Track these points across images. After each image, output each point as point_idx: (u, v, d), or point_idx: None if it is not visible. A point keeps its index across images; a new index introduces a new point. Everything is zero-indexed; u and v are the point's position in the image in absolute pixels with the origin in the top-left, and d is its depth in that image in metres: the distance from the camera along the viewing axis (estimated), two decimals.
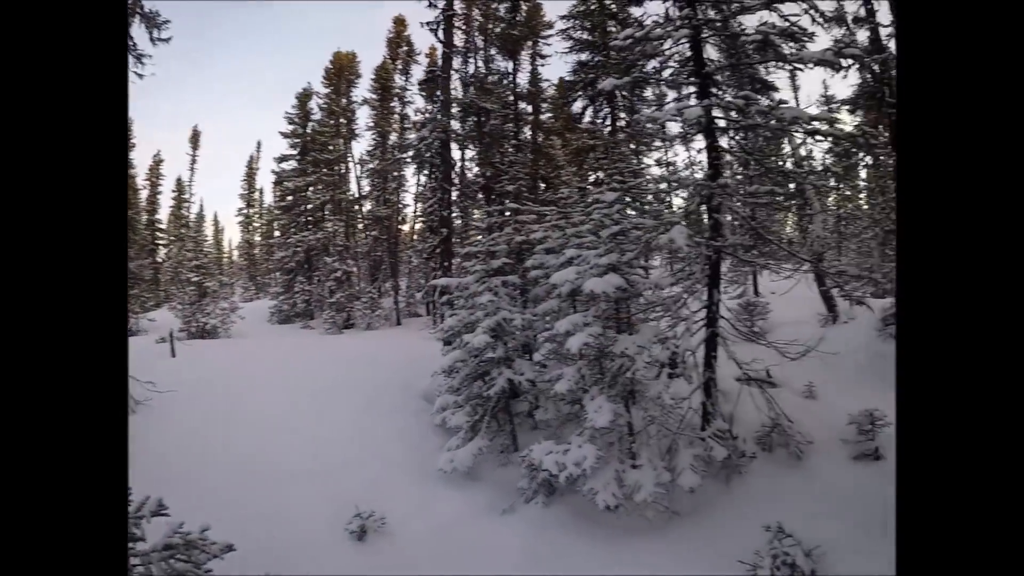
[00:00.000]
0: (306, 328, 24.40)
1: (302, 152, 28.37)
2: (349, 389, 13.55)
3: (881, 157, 13.74)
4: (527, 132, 21.15)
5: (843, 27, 14.83)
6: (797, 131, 8.73)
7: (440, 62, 20.17)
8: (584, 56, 19.22)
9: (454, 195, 19.97)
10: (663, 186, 10.28)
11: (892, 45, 14.13)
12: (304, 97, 28.98)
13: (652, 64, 10.18)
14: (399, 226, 29.87)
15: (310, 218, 27.57)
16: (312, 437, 10.91)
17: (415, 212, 30.47)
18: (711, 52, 9.44)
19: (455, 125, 19.73)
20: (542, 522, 8.11)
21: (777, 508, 7.41)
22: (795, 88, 27.54)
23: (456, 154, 21.86)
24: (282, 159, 29.01)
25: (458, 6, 19.64)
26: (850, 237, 27.39)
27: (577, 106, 19.55)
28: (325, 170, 28.49)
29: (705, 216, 8.86)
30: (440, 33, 18.57)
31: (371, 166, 30.33)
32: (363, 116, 32.72)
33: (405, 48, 30.72)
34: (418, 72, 30.04)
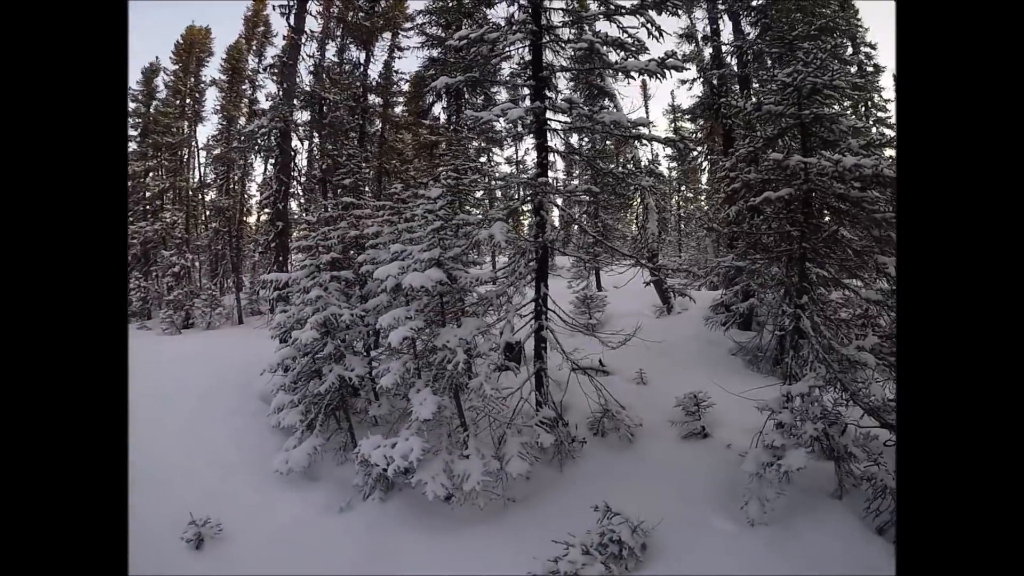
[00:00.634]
0: (143, 329, 22.29)
1: (143, 133, 26.16)
2: (184, 392, 12.75)
3: (720, 163, 15.17)
4: (377, 125, 20.82)
5: (692, 43, 16.26)
6: (622, 134, 9.37)
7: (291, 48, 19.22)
8: (436, 52, 19.28)
9: (296, 188, 19.21)
10: (500, 183, 10.63)
11: (732, 60, 15.78)
12: (150, 73, 26.85)
13: (505, 66, 10.56)
14: (243, 218, 28.12)
15: (148, 207, 25.24)
16: (142, 445, 10.02)
17: (260, 203, 28.95)
18: (551, 56, 9.90)
19: (304, 115, 18.97)
20: (379, 517, 8.20)
21: (609, 489, 7.93)
22: (646, 99, 29.68)
23: (301, 145, 21.11)
24: None
25: None
26: (690, 235, 30.07)
27: (428, 101, 19.55)
28: (167, 154, 26.24)
29: (529, 213, 9.26)
30: (291, 18, 17.64)
31: (216, 152, 28.33)
32: (211, 98, 30.29)
33: (262, 29, 28.84)
34: (272, 56, 28.40)
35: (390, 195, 12.00)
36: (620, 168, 13.77)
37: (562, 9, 9.68)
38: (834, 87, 8.12)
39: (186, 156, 29.17)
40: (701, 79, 16.36)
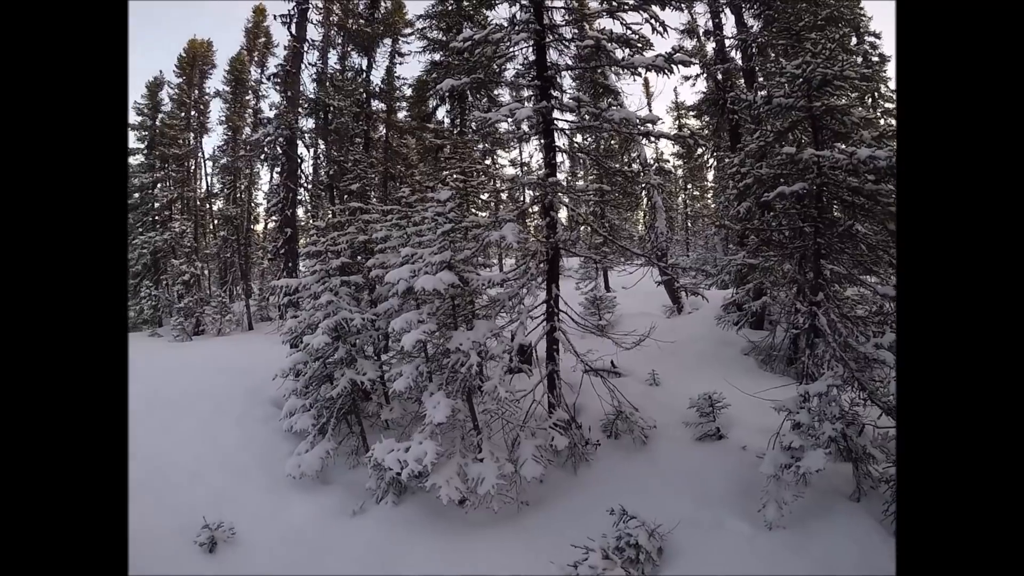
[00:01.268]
0: (154, 336, 22.58)
1: (150, 146, 26.26)
2: (196, 398, 12.84)
3: (726, 159, 15.03)
4: (381, 130, 20.85)
5: (694, 39, 16.16)
6: (631, 132, 9.31)
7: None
8: (438, 56, 19.27)
9: (303, 194, 19.29)
10: (508, 184, 10.59)
11: (736, 54, 15.67)
12: (154, 86, 26.91)
13: (509, 66, 10.52)
14: (251, 226, 28.39)
15: (157, 217, 25.45)
16: (156, 450, 10.33)
17: (267, 211, 29.12)
18: (554, 56, 9.87)
19: (309, 123, 19.04)
20: (392, 521, 8.17)
21: (623, 492, 7.84)
22: (649, 96, 29.54)
23: (307, 152, 21.10)
24: (129, 153, 26.49)
25: (317, 2, 18.88)
26: (697, 234, 29.85)
27: (431, 105, 19.57)
28: (174, 166, 26.49)
29: (538, 214, 9.21)
30: (293, 27, 17.69)
31: (222, 162, 28.67)
32: (216, 109, 30.69)
33: (263, 40, 29.11)
34: (274, 65, 28.63)
35: (397, 199, 11.99)
36: (628, 166, 13.73)
37: (564, 8, 9.65)
38: (844, 77, 7.98)
39: (193, 167, 29.41)
40: (705, 75, 16.23)
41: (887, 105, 18.82)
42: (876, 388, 7.11)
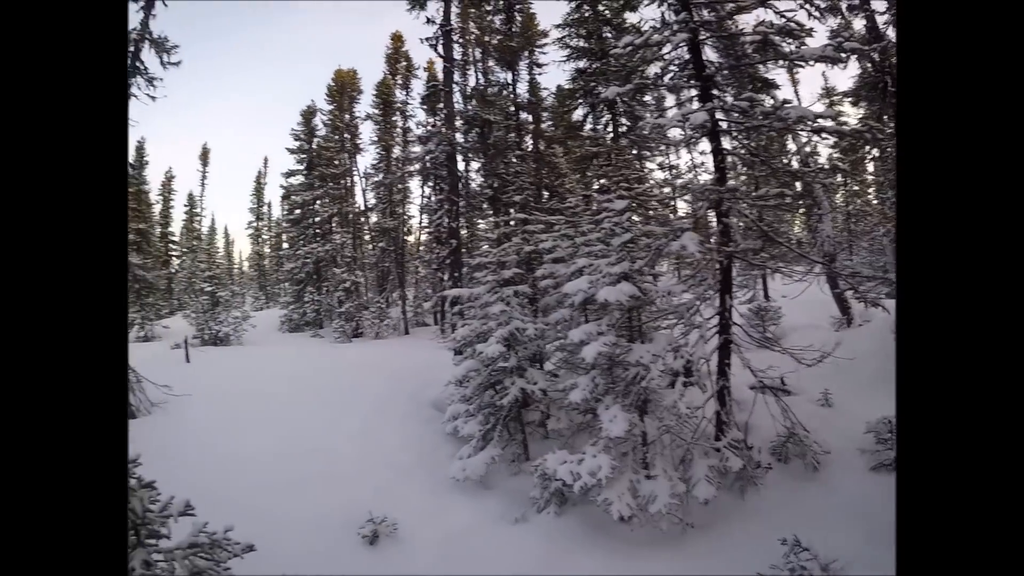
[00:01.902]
0: (316, 337, 24.62)
1: (309, 167, 28.76)
2: (359, 397, 13.65)
3: (888, 149, 13.56)
4: (528, 141, 21.22)
5: (839, 17, 14.70)
6: (803, 130, 8.65)
7: (440, 76, 20.30)
8: (582, 63, 19.12)
9: (461, 206, 20.06)
10: (667, 190, 10.27)
11: (891, 32, 14.04)
12: (308, 114, 29.40)
13: (653, 69, 10.21)
14: (405, 237, 30.05)
15: (318, 230, 27.86)
16: (322, 444, 11.01)
17: (420, 223, 30.84)
18: (710, 54, 9.45)
19: (459, 137, 19.78)
20: (553, 532, 8.09)
21: (793, 521, 7.31)
22: (794, 83, 27.44)
23: (460, 166, 21.92)
24: (289, 174, 29.43)
25: (454, 20, 19.72)
26: (860, 235, 27.06)
27: (578, 114, 19.53)
28: (331, 184, 28.87)
29: (714, 221, 8.80)
30: (440, 48, 18.65)
31: (376, 179, 30.70)
32: (366, 131, 33.28)
33: (404, 63, 31.20)
34: (418, 86, 30.61)
35: (560, 209, 12.07)
36: (789, 164, 12.79)
37: (716, 2, 9.19)
38: None
39: (349, 184, 31.85)
40: (856, 56, 14.57)
41: None
42: None
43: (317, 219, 27.98)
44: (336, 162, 29.78)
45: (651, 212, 13.95)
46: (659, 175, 23.94)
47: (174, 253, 41.97)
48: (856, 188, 28.24)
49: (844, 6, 14.38)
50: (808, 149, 15.38)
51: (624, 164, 14.52)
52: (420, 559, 7.77)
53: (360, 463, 10.26)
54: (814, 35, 8.46)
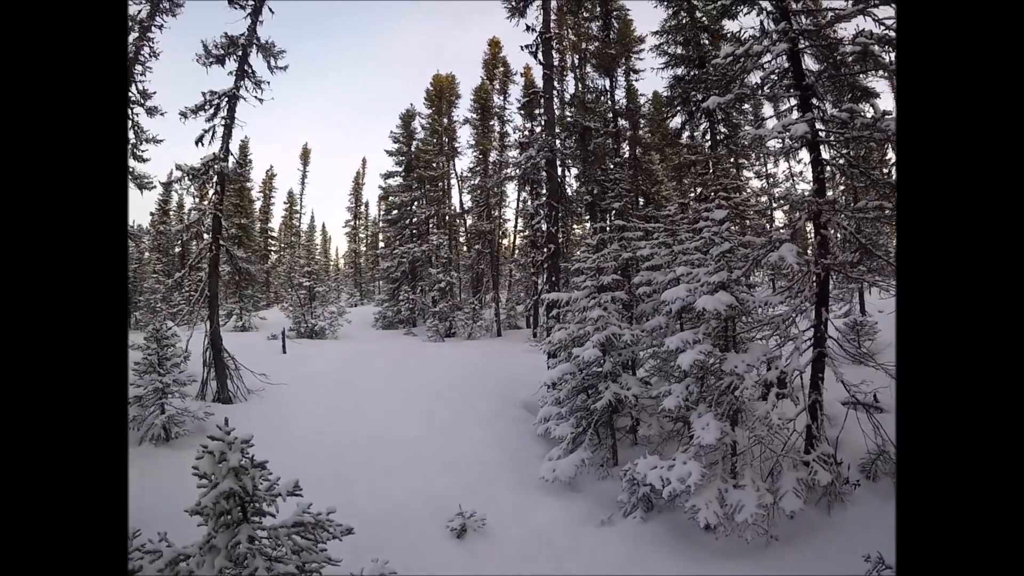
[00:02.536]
0: (409, 335, 25.58)
1: (407, 169, 29.87)
2: (450, 394, 14.16)
3: None
4: (626, 148, 21.17)
5: None
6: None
7: (540, 82, 20.58)
8: (679, 70, 18.97)
9: (564, 212, 20.21)
10: (764, 200, 10.14)
11: None
12: (408, 117, 30.53)
13: (753, 78, 10.09)
14: (500, 240, 30.59)
15: (415, 231, 28.92)
16: (414, 437, 11.50)
17: (516, 227, 31.52)
18: (809, 62, 9.25)
19: (557, 143, 20.08)
20: (639, 537, 8.16)
21: (879, 539, 6.91)
22: (895, 89, 25.67)
23: (567, 172, 22.14)
24: (388, 175, 30.74)
25: (552, 27, 19.95)
26: None
27: (675, 121, 19.30)
28: (429, 186, 29.85)
29: (812, 233, 8.65)
30: (539, 55, 19.01)
31: (473, 182, 31.38)
32: (464, 135, 34.14)
33: (502, 69, 31.66)
34: (515, 92, 30.94)
35: (660, 217, 12.16)
36: (887, 175, 12.19)
37: (814, 11, 8.96)
38: None
39: (446, 186, 32.92)
40: None
41: None
42: None
43: (414, 220, 29.07)
44: (434, 165, 30.81)
45: (748, 222, 13.72)
46: (756, 184, 23.23)
47: (273, 248, 44.32)
48: None
49: None
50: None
51: (722, 173, 14.33)
52: (506, 554, 7.95)
53: (449, 457, 10.64)
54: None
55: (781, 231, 8.99)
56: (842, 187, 15.11)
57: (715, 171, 14.92)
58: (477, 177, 31.09)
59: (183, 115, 13.59)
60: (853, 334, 14.20)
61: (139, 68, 14.41)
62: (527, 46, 19.09)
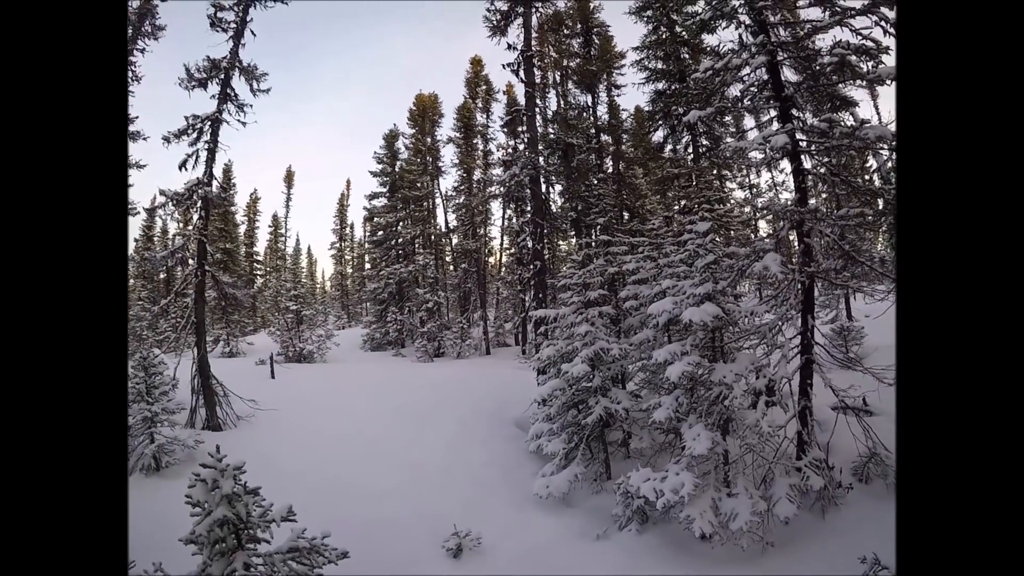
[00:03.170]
0: (398, 356, 25.45)
1: (392, 189, 29.89)
2: (441, 414, 14.08)
3: None
4: (609, 163, 21.39)
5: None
6: (883, 148, 8.54)
7: (522, 100, 20.67)
8: (661, 85, 19.26)
9: (548, 229, 20.29)
10: (747, 210, 10.31)
11: None
12: (391, 138, 30.60)
13: (733, 91, 10.29)
14: (487, 258, 30.61)
15: (401, 251, 28.90)
16: (406, 459, 11.41)
17: (501, 245, 31.41)
18: (788, 73, 9.46)
19: (541, 160, 20.20)
20: (635, 549, 8.18)
21: (873, 540, 7.09)
22: (874, 98, 26.32)
23: (543, 188, 22.10)
24: (373, 196, 30.73)
25: (534, 45, 20.13)
26: None
27: (658, 135, 19.56)
28: (414, 206, 29.84)
29: (795, 241, 8.80)
30: (521, 73, 19.13)
31: (458, 201, 31.38)
32: (447, 154, 34.23)
33: (484, 87, 31.76)
34: (498, 110, 31.14)
35: (644, 231, 12.29)
36: (880, 184, 12.41)
37: (792, 23, 9.19)
38: None
39: (431, 206, 32.79)
40: None
41: None
42: None
43: (400, 240, 29.10)
44: (419, 184, 30.81)
45: (732, 233, 13.91)
46: (739, 195, 23.61)
47: (258, 272, 44.13)
48: None
49: None
50: (889, 166, 14.82)
51: (705, 185, 14.53)
52: (502, 573, 7.90)
53: (443, 477, 10.59)
54: (890, 53, 8.34)
55: (765, 241, 9.13)
56: (824, 195, 15.40)
57: (698, 183, 15.11)
58: (462, 196, 31.13)
59: (166, 140, 13.49)
60: (840, 339, 14.37)
61: None
62: (509, 64, 19.16)
